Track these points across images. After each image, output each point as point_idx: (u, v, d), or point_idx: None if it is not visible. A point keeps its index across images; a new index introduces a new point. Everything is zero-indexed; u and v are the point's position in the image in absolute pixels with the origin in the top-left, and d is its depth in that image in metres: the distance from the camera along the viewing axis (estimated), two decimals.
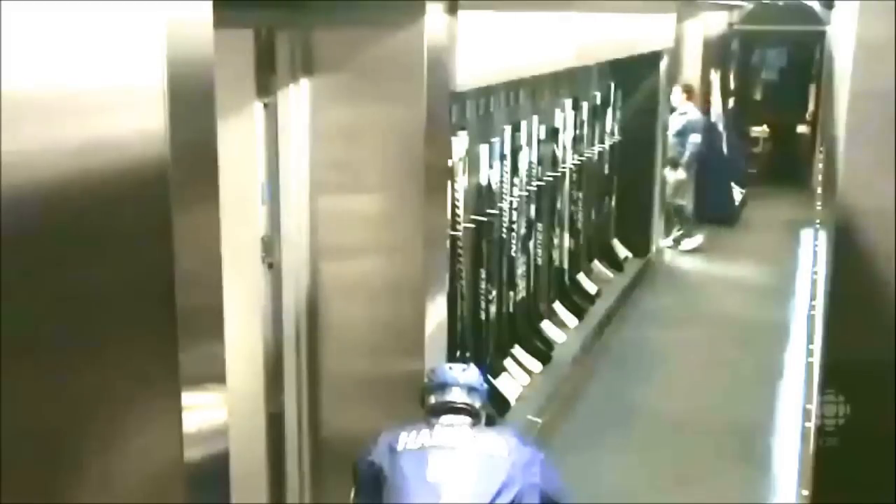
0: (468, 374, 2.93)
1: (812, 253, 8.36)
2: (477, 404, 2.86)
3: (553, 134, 6.28)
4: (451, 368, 2.97)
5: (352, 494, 2.83)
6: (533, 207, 5.93)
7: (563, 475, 2.84)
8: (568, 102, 6.53)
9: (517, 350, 5.60)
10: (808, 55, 12.57)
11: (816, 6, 11.50)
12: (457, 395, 2.84)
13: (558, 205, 6.55)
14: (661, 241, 8.82)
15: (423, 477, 2.60)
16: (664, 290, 7.96)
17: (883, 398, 2.58)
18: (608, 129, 7.52)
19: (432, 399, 2.86)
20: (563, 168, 6.50)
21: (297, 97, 3.33)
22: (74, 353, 1.47)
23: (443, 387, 2.86)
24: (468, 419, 2.81)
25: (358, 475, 2.78)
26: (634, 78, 7.89)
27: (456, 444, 2.68)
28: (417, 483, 2.60)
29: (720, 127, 10.48)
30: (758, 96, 13.18)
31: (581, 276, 7.09)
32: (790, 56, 13.02)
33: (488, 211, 5.12)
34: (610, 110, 7.53)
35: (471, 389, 2.88)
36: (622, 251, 8.07)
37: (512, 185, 5.48)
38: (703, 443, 5.10)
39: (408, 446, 2.67)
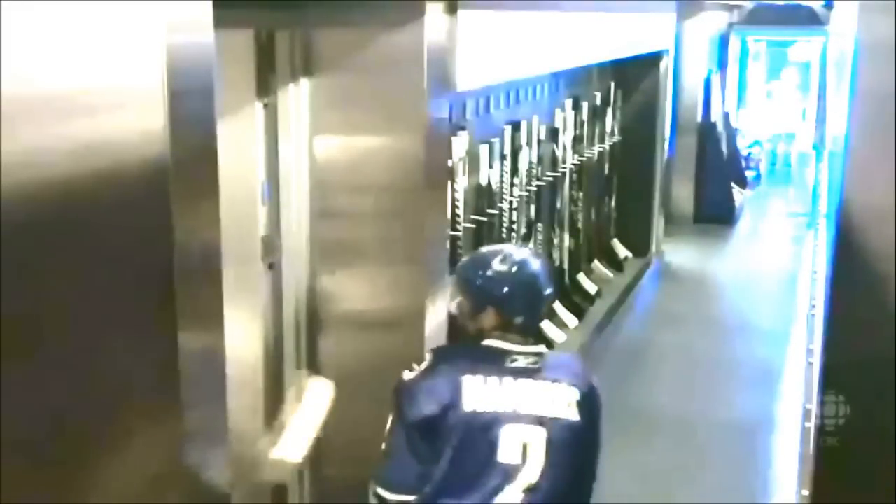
0: (543, 275, 2.33)
1: (812, 252, 8.36)
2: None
3: (553, 134, 6.29)
4: (523, 268, 2.31)
5: (389, 424, 2.37)
6: (533, 207, 5.93)
7: None
8: (568, 102, 6.53)
9: None
10: None
11: (816, 6, 11.50)
12: (531, 326, 2.33)
13: (558, 205, 6.55)
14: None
15: (493, 457, 2.22)
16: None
17: (883, 398, 2.57)
18: (608, 129, 7.52)
19: (490, 320, 2.29)
20: (563, 168, 6.50)
21: (297, 97, 3.33)
22: (73, 353, 1.46)
23: (516, 311, 2.29)
24: (540, 350, 2.35)
25: (404, 414, 2.30)
26: (634, 78, 7.89)
27: (531, 406, 2.24)
28: (486, 463, 2.22)
29: (720, 128, 10.49)
30: None
31: (581, 276, 7.09)
32: None
33: (488, 211, 5.12)
34: (610, 110, 7.53)
35: (546, 300, 2.35)
36: (622, 251, 8.07)
37: (512, 185, 5.48)
38: (702, 440, 5.10)
39: (476, 408, 2.21)
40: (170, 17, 1.61)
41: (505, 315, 2.31)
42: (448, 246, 4.16)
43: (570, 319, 6.47)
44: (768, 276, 8.43)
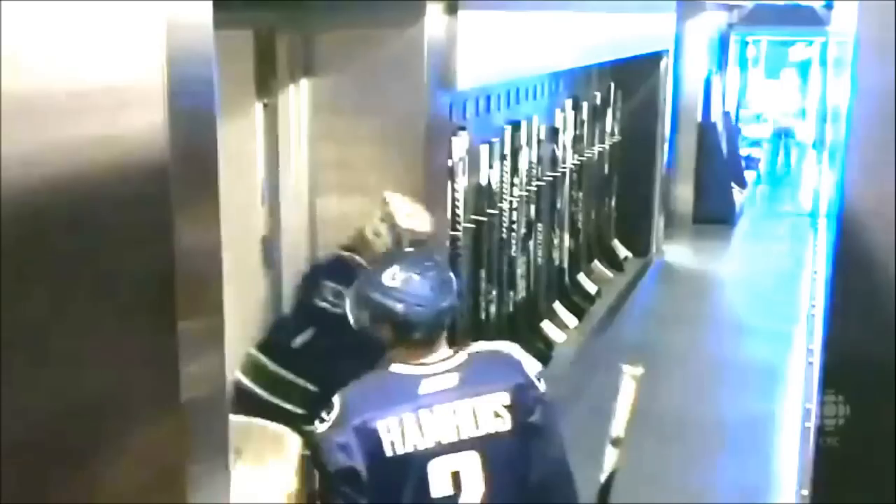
0: (439, 286, 2.17)
1: (812, 252, 8.36)
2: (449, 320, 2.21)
3: (553, 134, 6.28)
4: (413, 284, 2.15)
5: (319, 483, 2.20)
6: (533, 207, 5.93)
7: None
8: (568, 102, 6.53)
9: None
10: None
11: (816, 6, 11.50)
12: (435, 339, 2.16)
13: (558, 205, 6.55)
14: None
15: (426, 494, 2.11)
16: None
17: (883, 398, 2.57)
18: (608, 129, 7.52)
19: (388, 334, 2.17)
20: (563, 168, 6.50)
21: (297, 97, 3.34)
22: (72, 354, 1.46)
23: (412, 326, 2.15)
24: (457, 362, 2.19)
25: (327, 470, 2.12)
26: (634, 78, 7.89)
27: (455, 432, 2.11)
28: (420, 502, 2.11)
29: (720, 128, 10.48)
30: None
31: (581, 276, 7.09)
32: None
33: (488, 211, 5.12)
34: (610, 110, 7.53)
35: (443, 312, 2.18)
36: (622, 251, 8.07)
37: (512, 185, 5.48)
38: (702, 440, 5.11)
39: (396, 451, 2.08)
40: (170, 17, 1.61)
41: (400, 332, 2.18)
42: (448, 246, 4.16)
43: (570, 319, 6.47)
44: (768, 276, 8.42)
